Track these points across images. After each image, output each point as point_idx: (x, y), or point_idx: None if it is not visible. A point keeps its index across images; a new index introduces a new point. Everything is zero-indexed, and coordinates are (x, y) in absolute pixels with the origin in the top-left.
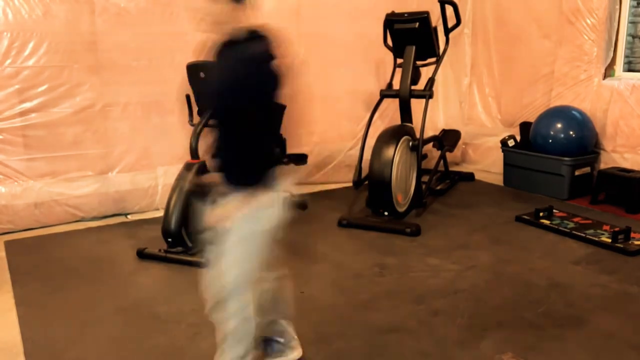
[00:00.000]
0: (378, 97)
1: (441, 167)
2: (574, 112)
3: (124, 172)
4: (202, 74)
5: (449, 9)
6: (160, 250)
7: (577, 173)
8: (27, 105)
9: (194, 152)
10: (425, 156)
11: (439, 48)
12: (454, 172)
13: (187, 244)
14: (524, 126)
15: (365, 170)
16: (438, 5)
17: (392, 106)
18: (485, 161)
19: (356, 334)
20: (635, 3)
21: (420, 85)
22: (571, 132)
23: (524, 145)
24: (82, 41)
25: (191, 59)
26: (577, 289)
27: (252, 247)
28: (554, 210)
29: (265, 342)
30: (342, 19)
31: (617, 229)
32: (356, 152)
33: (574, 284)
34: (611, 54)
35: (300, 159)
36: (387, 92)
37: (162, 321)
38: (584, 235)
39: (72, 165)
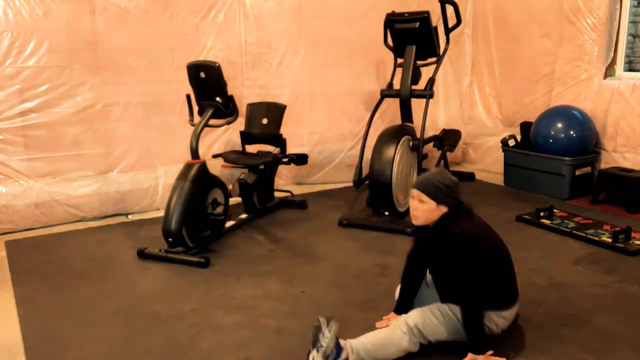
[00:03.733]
0: (378, 97)
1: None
2: (574, 111)
3: (125, 172)
4: (202, 74)
5: (450, 9)
6: (160, 250)
7: (577, 173)
8: (28, 105)
9: (194, 152)
10: (425, 156)
11: (439, 48)
12: (454, 172)
13: (187, 244)
14: (525, 126)
15: (365, 170)
16: (438, 5)
17: (392, 106)
18: (486, 161)
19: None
20: (635, 3)
21: (421, 85)
22: (572, 132)
23: (524, 145)
24: (82, 41)
25: (192, 58)
26: (578, 289)
27: None
28: (555, 210)
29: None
30: (343, 18)
31: (617, 229)
32: (356, 152)
33: (574, 284)
34: (612, 54)
35: (301, 159)
36: (387, 92)
37: (163, 321)
38: (584, 235)
39: (73, 165)
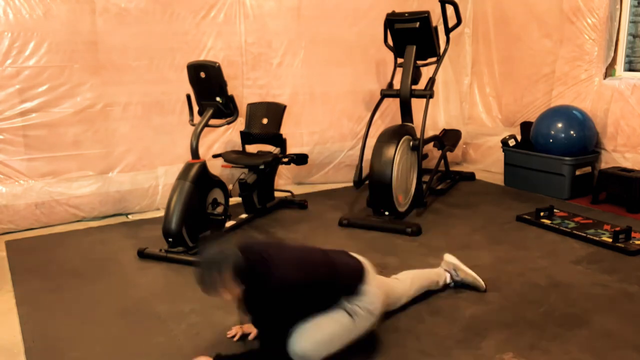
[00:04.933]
0: (379, 97)
1: (442, 167)
2: (574, 111)
3: (125, 172)
4: (202, 74)
5: (450, 9)
6: (160, 250)
7: (578, 173)
8: (28, 105)
9: (194, 152)
10: (426, 156)
11: (439, 48)
12: (454, 172)
13: (187, 244)
14: (525, 126)
15: (365, 170)
16: (438, 4)
17: (392, 106)
18: (486, 161)
19: None
20: (636, 2)
21: (421, 85)
22: (572, 132)
23: (524, 145)
24: (82, 41)
25: (192, 58)
26: (578, 289)
27: None
28: (555, 210)
29: None
30: (343, 18)
31: (618, 229)
32: (357, 151)
33: (574, 284)
34: (612, 54)
35: (301, 159)
36: (387, 92)
37: (163, 321)
38: (584, 235)
39: (73, 165)
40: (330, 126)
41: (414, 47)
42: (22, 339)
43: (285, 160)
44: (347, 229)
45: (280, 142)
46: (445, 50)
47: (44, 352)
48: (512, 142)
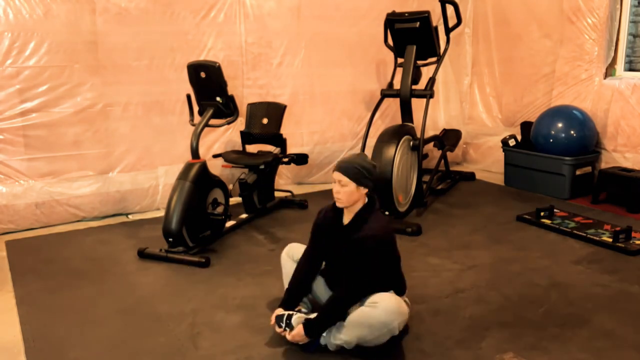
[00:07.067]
0: (379, 97)
1: (442, 167)
2: (574, 111)
3: (125, 172)
4: (202, 74)
5: (450, 9)
6: (161, 250)
7: (578, 173)
8: (28, 105)
9: (194, 152)
10: (426, 156)
11: (439, 47)
12: (454, 172)
13: (187, 244)
14: (525, 126)
15: None
16: (439, 4)
17: (392, 106)
18: (486, 161)
19: None
20: (636, 2)
21: (421, 84)
22: (572, 132)
23: (524, 145)
24: (82, 41)
25: (192, 58)
26: (578, 289)
27: None
28: (555, 210)
29: None
30: (343, 18)
31: (618, 229)
32: (357, 151)
33: (575, 284)
34: (612, 54)
35: (301, 158)
36: (387, 92)
37: (163, 321)
38: (585, 234)
39: (73, 165)
40: (330, 126)
41: (414, 47)
42: (22, 339)
43: (286, 160)
44: None
45: (281, 142)
46: (446, 50)
47: (44, 352)
48: (512, 142)
